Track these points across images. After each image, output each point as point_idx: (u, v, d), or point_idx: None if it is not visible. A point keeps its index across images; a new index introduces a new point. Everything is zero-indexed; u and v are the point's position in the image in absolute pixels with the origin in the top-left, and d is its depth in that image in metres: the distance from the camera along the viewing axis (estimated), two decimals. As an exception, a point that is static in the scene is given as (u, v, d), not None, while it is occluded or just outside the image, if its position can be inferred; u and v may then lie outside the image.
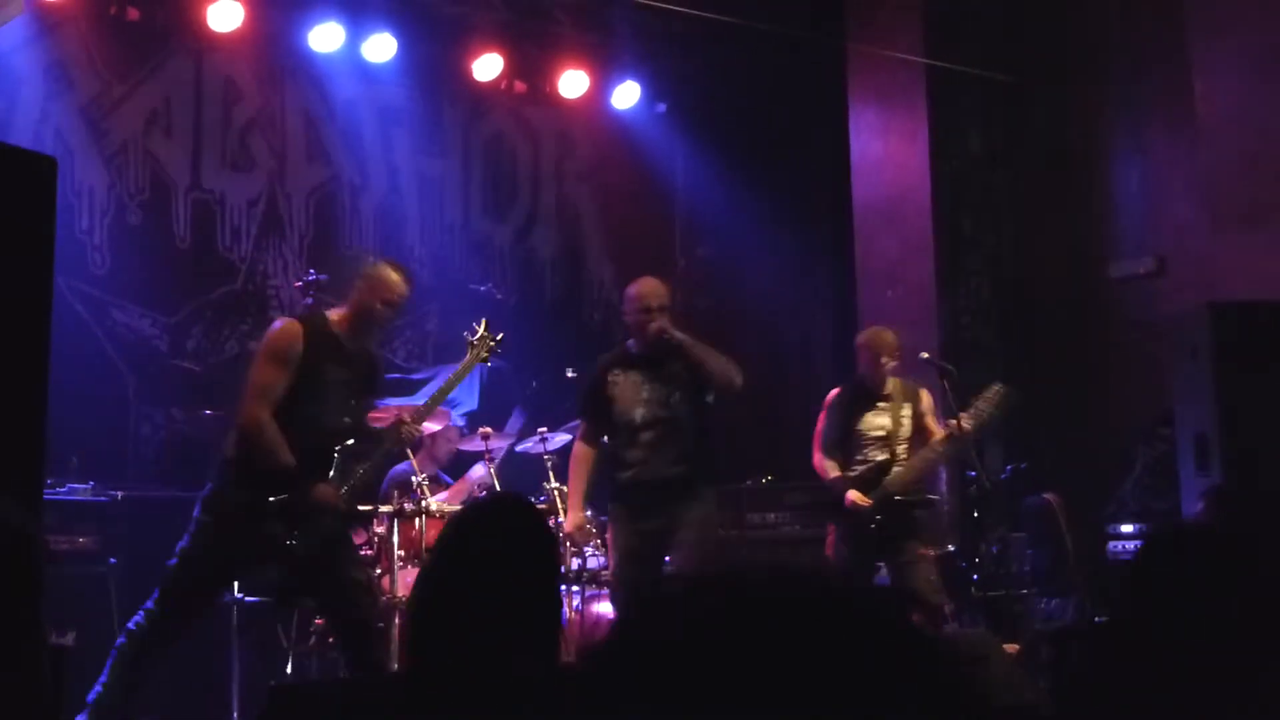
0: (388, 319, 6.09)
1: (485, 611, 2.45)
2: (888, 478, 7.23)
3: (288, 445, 5.59)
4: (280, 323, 5.95)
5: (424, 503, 7.04)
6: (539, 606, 2.57)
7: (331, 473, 5.77)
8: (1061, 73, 10.14)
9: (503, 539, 2.57)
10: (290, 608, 6.87)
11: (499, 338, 6.38)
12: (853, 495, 7.18)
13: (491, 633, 2.43)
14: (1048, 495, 9.00)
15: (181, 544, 5.64)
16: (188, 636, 5.86)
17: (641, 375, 6.68)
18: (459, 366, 6.38)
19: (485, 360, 6.45)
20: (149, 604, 5.59)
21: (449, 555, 2.61)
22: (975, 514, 8.76)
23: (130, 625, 5.59)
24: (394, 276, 6.00)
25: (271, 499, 5.58)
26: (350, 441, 5.86)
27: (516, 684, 2.37)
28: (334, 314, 5.98)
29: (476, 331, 6.38)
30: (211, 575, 5.78)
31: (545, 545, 2.67)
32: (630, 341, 6.86)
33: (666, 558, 6.59)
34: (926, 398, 7.48)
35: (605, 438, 6.82)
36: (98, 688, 5.50)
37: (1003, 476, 9.09)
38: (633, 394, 6.66)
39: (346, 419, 5.87)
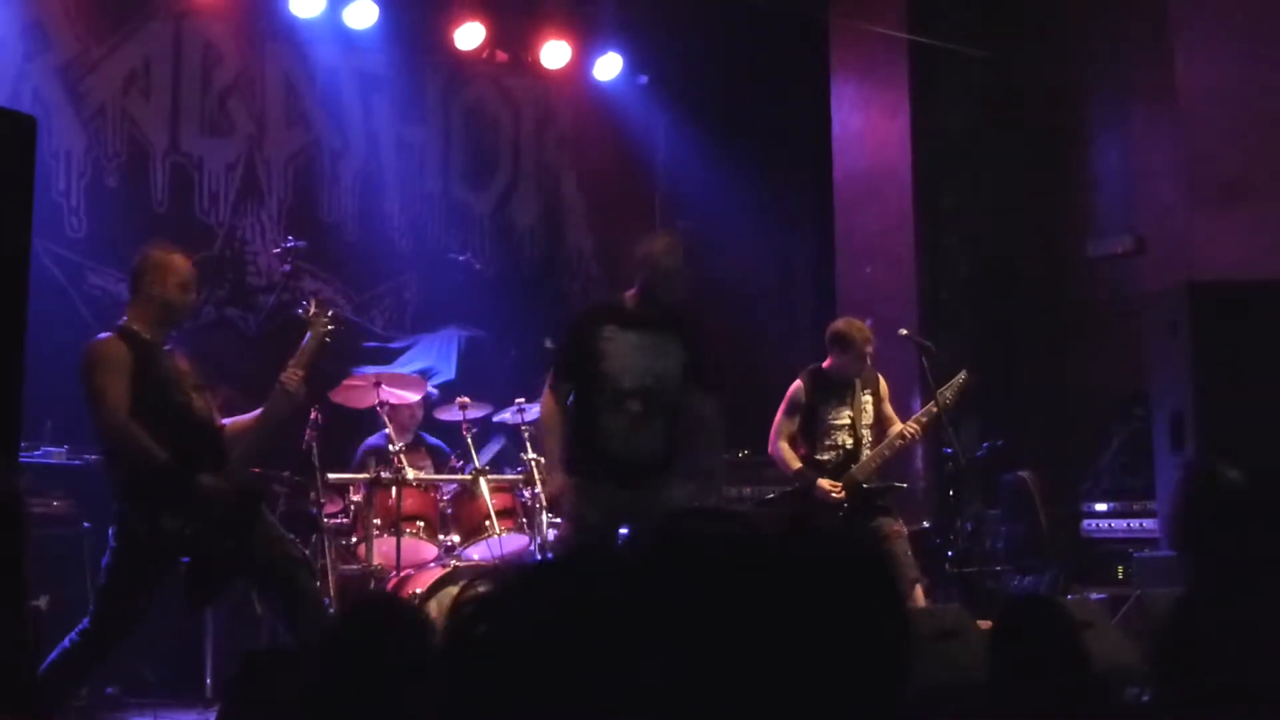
0: (187, 302, 5.84)
1: None
2: (855, 466, 7.26)
3: (171, 451, 5.48)
4: (100, 337, 5.67)
5: (401, 472, 7.02)
6: None
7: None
8: (1043, 49, 10.13)
9: None
10: (201, 609, 6.62)
11: (330, 314, 6.02)
12: (825, 483, 7.21)
13: None
14: (1022, 472, 9.04)
15: (105, 561, 5.55)
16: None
17: (639, 337, 6.08)
18: (306, 343, 5.94)
19: (326, 338, 5.98)
20: (84, 624, 5.46)
21: None
22: (950, 491, 8.79)
23: (65, 643, 5.43)
24: (174, 257, 5.79)
25: (163, 498, 5.46)
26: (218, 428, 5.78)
27: None
28: (132, 322, 5.70)
29: (309, 309, 6.03)
30: (138, 590, 5.58)
31: None
32: (629, 294, 6.22)
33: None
34: (884, 385, 7.50)
35: (570, 397, 6.18)
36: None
37: (979, 454, 9.13)
38: (627, 356, 6.06)
39: (202, 409, 5.73)
